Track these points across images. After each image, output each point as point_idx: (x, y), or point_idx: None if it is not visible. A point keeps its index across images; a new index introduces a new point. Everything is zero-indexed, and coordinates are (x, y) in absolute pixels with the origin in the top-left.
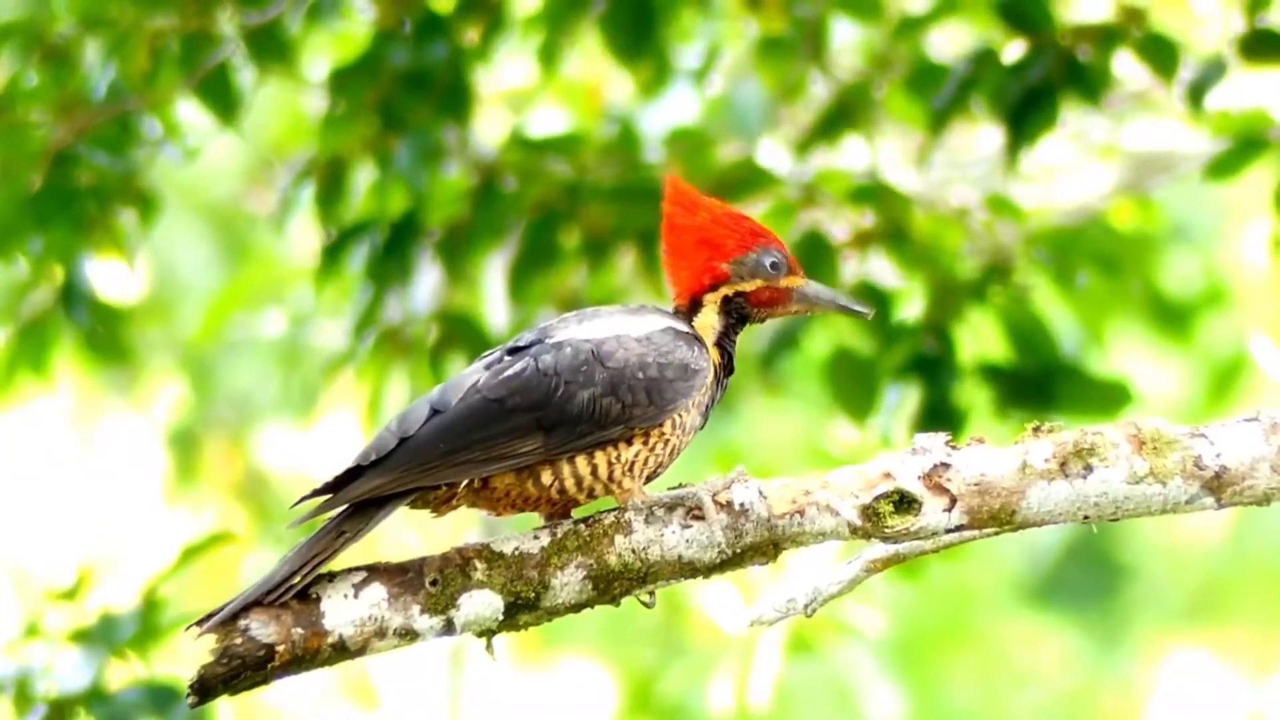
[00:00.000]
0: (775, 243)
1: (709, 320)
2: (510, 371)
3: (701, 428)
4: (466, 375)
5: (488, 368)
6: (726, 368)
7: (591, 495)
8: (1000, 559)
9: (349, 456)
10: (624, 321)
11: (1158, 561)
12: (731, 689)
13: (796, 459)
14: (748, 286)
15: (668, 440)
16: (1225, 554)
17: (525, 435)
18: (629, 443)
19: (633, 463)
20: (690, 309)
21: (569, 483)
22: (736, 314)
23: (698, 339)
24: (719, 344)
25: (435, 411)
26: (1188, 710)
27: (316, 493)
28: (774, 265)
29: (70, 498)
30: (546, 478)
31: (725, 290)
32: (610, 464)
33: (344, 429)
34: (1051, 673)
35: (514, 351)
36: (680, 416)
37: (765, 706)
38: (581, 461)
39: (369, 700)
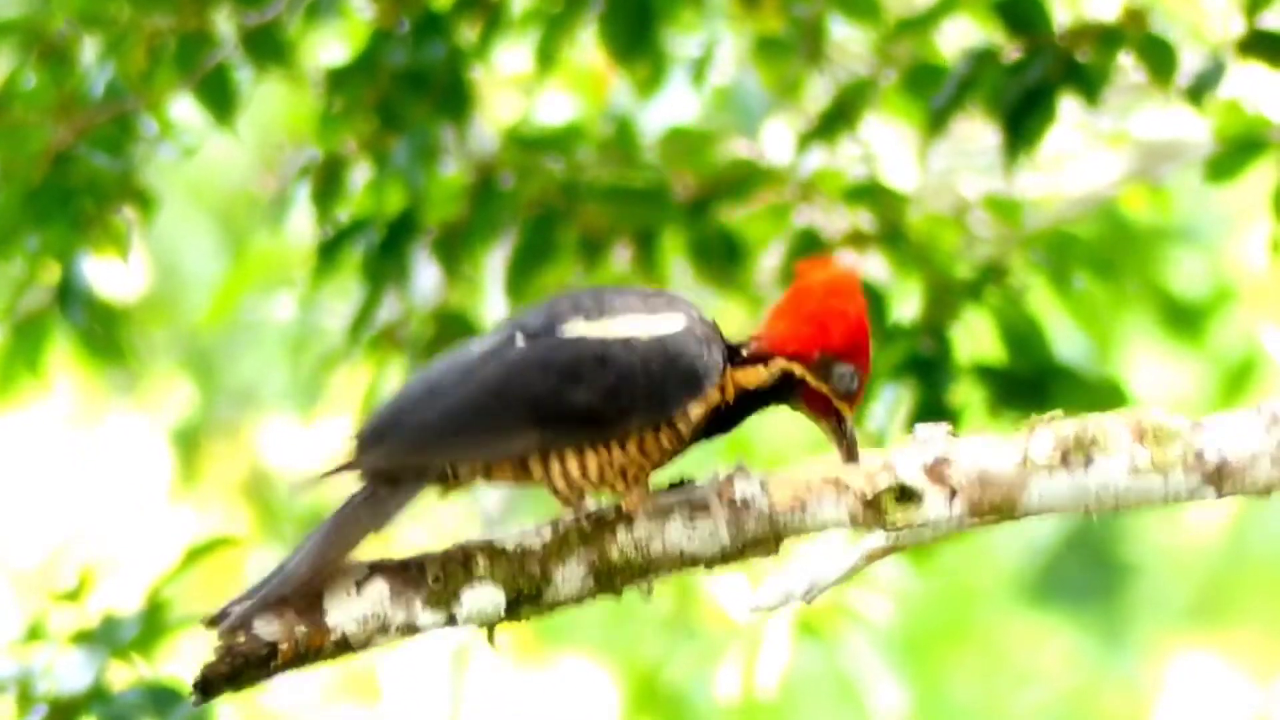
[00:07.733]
0: (866, 374)
1: (757, 376)
2: (511, 363)
3: (691, 440)
4: (469, 353)
5: (493, 352)
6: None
7: (581, 494)
8: (1001, 557)
9: (351, 431)
10: (638, 321)
11: (1160, 560)
12: (738, 677)
13: (804, 448)
14: (812, 381)
15: (662, 445)
16: (1228, 554)
17: (518, 430)
18: (621, 446)
19: (624, 466)
20: (757, 357)
21: (555, 474)
22: (779, 391)
23: (713, 342)
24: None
25: (433, 389)
26: (1191, 711)
27: (331, 473)
28: (847, 392)
29: (73, 498)
30: (537, 472)
31: (796, 368)
32: (601, 466)
33: (346, 428)
34: (1053, 672)
35: (527, 336)
36: (678, 423)
37: (772, 695)
38: (572, 461)
39: (371, 694)
